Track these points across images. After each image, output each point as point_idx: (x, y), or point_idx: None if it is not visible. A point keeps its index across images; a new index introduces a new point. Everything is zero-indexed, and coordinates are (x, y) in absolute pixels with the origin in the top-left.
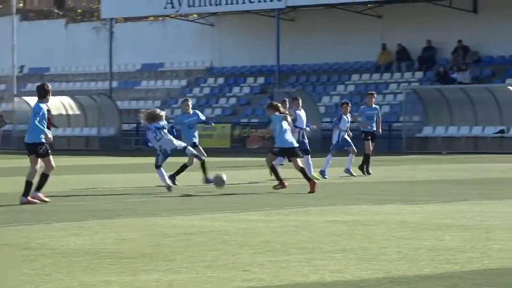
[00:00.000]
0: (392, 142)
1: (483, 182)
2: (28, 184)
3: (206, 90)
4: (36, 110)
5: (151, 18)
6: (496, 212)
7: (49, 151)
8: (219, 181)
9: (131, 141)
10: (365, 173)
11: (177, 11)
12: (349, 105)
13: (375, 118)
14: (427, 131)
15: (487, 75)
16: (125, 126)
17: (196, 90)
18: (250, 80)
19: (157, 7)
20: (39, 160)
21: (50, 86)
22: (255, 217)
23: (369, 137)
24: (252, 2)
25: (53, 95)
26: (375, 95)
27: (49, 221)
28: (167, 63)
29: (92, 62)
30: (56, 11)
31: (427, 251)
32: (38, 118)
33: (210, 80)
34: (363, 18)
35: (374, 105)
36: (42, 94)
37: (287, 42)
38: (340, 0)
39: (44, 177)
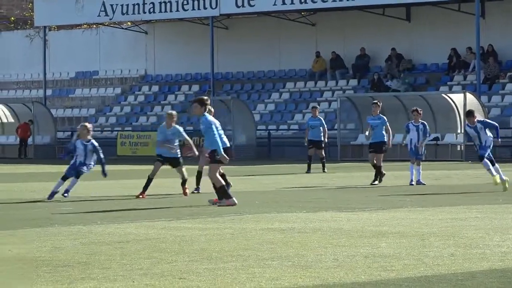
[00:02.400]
0: (327, 149)
1: (418, 189)
2: None
3: (141, 98)
4: None
5: (84, 26)
6: (432, 220)
7: None
8: None
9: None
10: None
11: (110, 19)
12: (419, 112)
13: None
14: (361, 138)
15: (421, 83)
16: (60, 134)
17: (130, 98)
18: (184, 87)
19: (90, 14)
20: None
21: None
22: (191, 225)
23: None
24: (186, 10)
25: None
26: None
27: None
28: (101, 71)
29: (26, 70)
30: None
31: (363, 258)
32: None
33: (145, 88)
34: (297, 26)
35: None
36: None
37: (222, 50)
38: (274, 8)
39: None
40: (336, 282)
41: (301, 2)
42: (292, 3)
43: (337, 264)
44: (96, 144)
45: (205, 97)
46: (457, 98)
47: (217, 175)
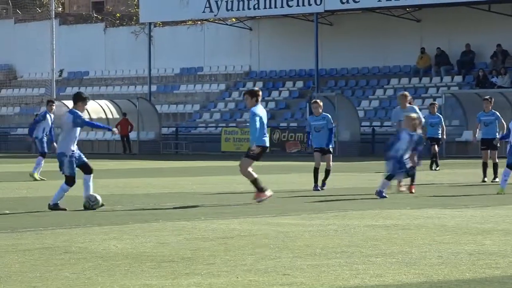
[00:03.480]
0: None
1: None
2: None
3: None
4: None
5: (189, 22)
6: None
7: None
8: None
9: (171, 145)
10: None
11: (215, 15)
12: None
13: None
14: (466, 135)
15: None
16: (164, 130)
17: (235, 94)
18: (288, 84)
19: (195, 11)
20: None
21: None
22: (295, 221)
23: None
24: (291, 6)
25: (92, 99)
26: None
27: (89, 225)
28: (205, 67)
29: (131, 66)
30: (95, 15)
31: (468, 256)
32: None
33: (249, 84)
34: (401, 22)
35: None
36: None
37: (326, 46)
38: (378, 4)
39: None
40: (441, 279)
41: None
42: None
43: (441, 261)
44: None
45: (256, 88)
46: None
47: (250, 169)
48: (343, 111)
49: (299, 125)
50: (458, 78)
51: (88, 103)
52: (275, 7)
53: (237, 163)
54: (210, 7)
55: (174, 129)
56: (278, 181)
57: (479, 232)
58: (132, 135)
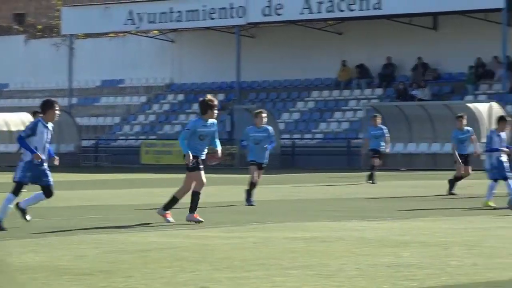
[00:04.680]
0: (351, 158)
1: (442, 198)
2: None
3: (166, 107)
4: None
5: (111, 35)
6: (454, 229)
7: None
8: None
9: (90, 157)
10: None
11: (137, 28)
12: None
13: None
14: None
15: (447, 92)
16: (85, 143)
17: (156, 107)
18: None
19: (117, 23)
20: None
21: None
22: (214, 233)
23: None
24: (213, 19)
25: (13, 111)
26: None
27: (7, 238)
28: (127, 79)
29: (52, 78)
30: (16, 27)
31: (386, 268)
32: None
33: (170, 97)
34: (323, 35)
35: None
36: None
37: (248, 59)
38: (300, 17)
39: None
40: None
41: (328, 11)
42: (319, 12)
43: (359, 273)
44: None
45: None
46: (482, 108)
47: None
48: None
49: (221, 137)
50: (379, 91)
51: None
52: (198, 19)
53: (156, 175)
54: (132, 19)
55: (94, 141)
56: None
57: (397, 244)
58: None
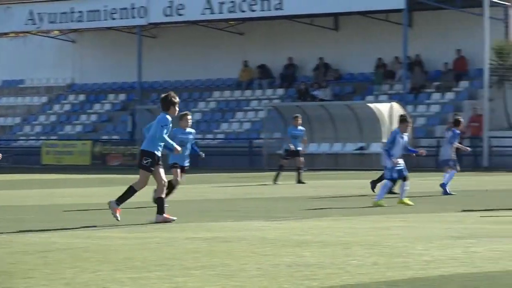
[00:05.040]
0: (253, 158)
1: (343, 198)
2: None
3: (67, 107)
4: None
5: (11, 34)
6: (355, 228)
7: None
8: None
9: None
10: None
11: (38, 28)
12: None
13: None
14: (286, 148)
15: (348, 92)
16: None
17: (56, 107)
18: (111, 96)
19: (18, 23)
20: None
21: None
22: (116, 234)
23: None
24: (114, 19)
25: None
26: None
27: None
28: (27, 80)
29: None
30: None
31: (287, 267)
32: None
33: (71, 97)
34: (225, 35)
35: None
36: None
37: (149, 59)
38: (202, 17)
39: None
40: None
41: (229, 12)
42: (220, 12)
43: (260, 273)
44: None
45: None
46: (383, 108)
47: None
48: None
49: (122, 138)
50: (280, 91)
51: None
52: (99, 19)
53: (57, 176)
54: (33, 19)
55: None
56: (98, 193)
57: (298, 244)
58: None
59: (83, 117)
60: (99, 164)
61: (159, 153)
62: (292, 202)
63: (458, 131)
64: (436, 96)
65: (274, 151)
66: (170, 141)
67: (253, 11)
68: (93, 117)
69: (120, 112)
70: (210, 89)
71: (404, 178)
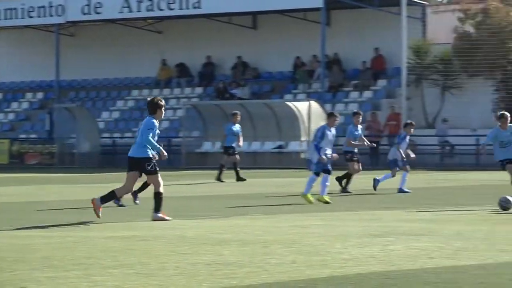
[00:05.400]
0: (172, 157)
1: (261, 197)
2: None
3: None
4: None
5: None
6: (274, 227)
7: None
8: None
9: None
10: None
11: None
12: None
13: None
14: (206, 146)
15: (266, 91)
16: None
17: None
18: (29, 95)
19: None
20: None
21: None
22: (34, 233)
23: None
24: (32, 17)
25: None
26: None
27: None
28: None
29: None
30: None
31: (206, 266)
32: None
33: None
34: (143, 34)
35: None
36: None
37: (67, 57)
38: (120, 16)
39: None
40: None
41: (147, 10)
42: (138, 10)
43: (179, 272)
44: None
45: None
46: (301, 106)
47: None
48: (84, 122)
49: (40, 136)
50: (199, 90)
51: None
52: (16, 18)
53: None
54: None
55: None
56: (16, 193)
57: (218, 243)
58: None
59: (1, 116)
60: (17, 163)
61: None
62: (211, 201)
63: (405, 133)
64: (354, 94)
65: (192, 150)
66: (157, 145)
67: (171, 9)
68: (11, 116)
69: (38, 110)
70: (128, 87)
71: (328, 172)
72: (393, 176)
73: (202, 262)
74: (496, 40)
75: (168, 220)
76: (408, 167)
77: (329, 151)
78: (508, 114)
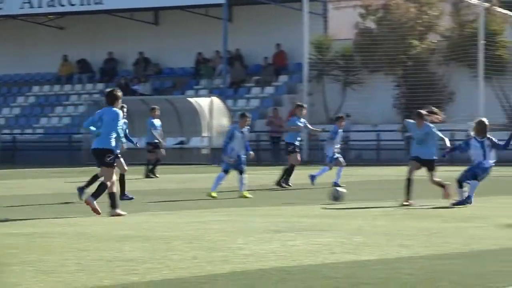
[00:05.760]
0: (73, 153)
1: (163, 193)
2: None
3: None
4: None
5: None
6: (176, 223)
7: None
8: None
9: None
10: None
11: None
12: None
13: None
14: None
15: (168, 87)
16: None
17: None
18: None
19: None
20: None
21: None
22: None
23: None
24: None
25: None
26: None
27: None
28: None
29: None
30: None
31: (107, 262)
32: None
33: None
34: (44, 30)
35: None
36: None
37: None
38: (21, 11)
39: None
40: (79, 287)
41: (48, 6)
42: (39, 6)
43: (80, 268)
44: None
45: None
46: (203, 102)
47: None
48: None
49: None
50: (100, 86)
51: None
52: None
53: None
54: None
55: None
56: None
57: (119, 239)
58: None
59: None
60: None
61: (115, 149)
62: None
63: (338, 127)
64: (256, 90)
65: None
66: (122, 135)
67: (73, 5)
68: None
69: None
70: (29, 83)
71: (241, 172)
72: (330, 169)
73: (103, 258)
74: (397, 36)
75: (124, 215)
76: (343, 161)
77: (241, 151)
78: (424, 112)
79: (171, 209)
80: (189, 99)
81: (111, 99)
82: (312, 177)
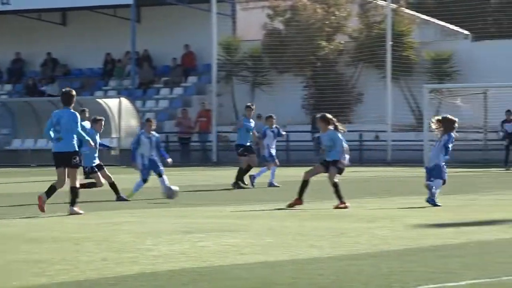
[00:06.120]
0: None
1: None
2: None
3: None
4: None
5: None
6: (85, 224)
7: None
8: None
9: None
10: None
11: None
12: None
13: None
14: (16, 143)
15: (76, 87)
16: None
17: None
18: None
19: None
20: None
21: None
22: None
23: None
24: None
25: None
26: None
27: None
28: None
29: None
30: None
31: (17, 264)
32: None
33: None
34: None
35: None
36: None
37: None
38: None
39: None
40: None
41: None
42: None
43: None
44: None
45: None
46: (112, 103)
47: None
48: None
49: None
50: (8, 87)
51: None
52: None
53: None
54: None
55: None
56: None
57: (29, 241)
58: None
59: None
60: None
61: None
62: (20, 198)
63: (266, 127)
64: (164, 91)
65: (2, 147)
66: (84, 134)
67: None
68: None
69: None
70: None
71: (159, 175)
72: (268, 169)
73: (12, 260)
74: (305, 37)
75: (81, 214)
76: (277, 161)
77: (153, 155)
78: (329, 116)
79: (84, 210)
80: (97, 100)
81: (67, 99)
82: (253, 178)
